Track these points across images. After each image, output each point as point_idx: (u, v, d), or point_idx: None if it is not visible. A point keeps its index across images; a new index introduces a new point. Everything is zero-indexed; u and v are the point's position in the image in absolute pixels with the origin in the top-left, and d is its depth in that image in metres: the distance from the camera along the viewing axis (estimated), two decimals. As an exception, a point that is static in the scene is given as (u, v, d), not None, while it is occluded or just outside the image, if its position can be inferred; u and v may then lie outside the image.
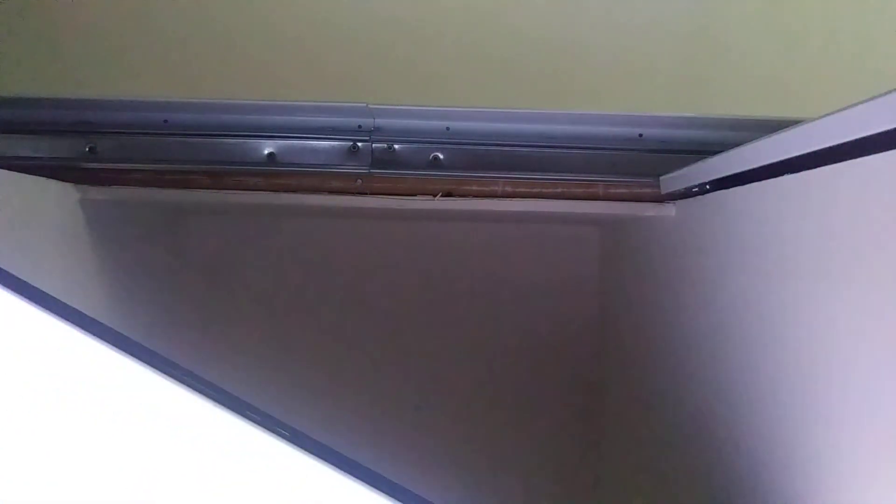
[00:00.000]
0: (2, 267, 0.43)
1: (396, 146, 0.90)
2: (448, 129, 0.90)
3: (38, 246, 0.81)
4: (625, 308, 1.21)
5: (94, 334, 0.41)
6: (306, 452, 0.41)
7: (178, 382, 0.41)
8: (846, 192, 0.52)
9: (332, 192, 0.92)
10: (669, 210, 0.92)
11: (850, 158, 0.51)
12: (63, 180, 0.88)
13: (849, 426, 0.51)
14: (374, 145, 0.90)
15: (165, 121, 0.89)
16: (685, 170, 0.83)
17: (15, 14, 1.29)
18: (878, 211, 0.48)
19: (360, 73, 1.33)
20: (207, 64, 1.33)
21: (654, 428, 1.00)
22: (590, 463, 1.35)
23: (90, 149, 0.88)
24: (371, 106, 0.89)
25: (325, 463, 0.41)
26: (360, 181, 0.91)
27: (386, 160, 0.90)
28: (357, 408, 1.30)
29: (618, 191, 0.92)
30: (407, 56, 1.33)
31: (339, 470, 0.41)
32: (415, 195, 0.92)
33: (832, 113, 0.52)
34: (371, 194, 0.92)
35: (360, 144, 0.90)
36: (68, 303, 0.43)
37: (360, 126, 0.90)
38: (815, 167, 0.56)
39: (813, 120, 0.55)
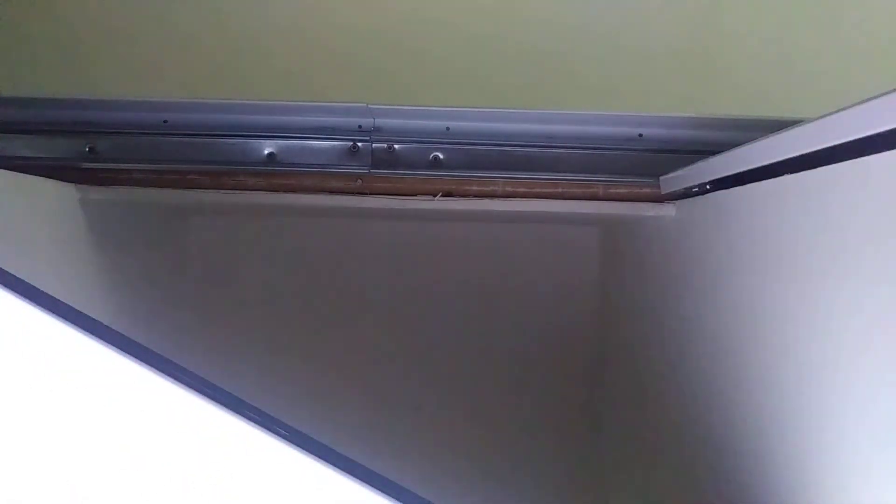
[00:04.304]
0: (2, 267, 0.43)
1: (396, 146, 0.90)
2: (448, 129, 0.90)
3: (38, 246, 0.81)
4: (625, 308, 1.21)
5: (94, 334, 0.41)
6: (306, 452, 0.41)
7: (178, 382, 0.41)
8: (846, 192, 0.52)
9: (332, 192, 0.92)
10: (669, 210, 0.91)
11: (850, 158, 0.51)
12: (63, 180, 0.88)
13: (848, 425, 0.51)
14: (374, 145, 0.90)
15: (165, 121, 0.89)
16: (685, 170, 0.83)
17: (15, 13, 1.29)
18: (878, 211, 0.48)
19: (360, 72, 1.33)
20: (207, 64, 1.33)
21: (654, 427, 1.00)
22: (590, 463, 1.35)
23: (90, 149, 0.88)
24: (371, 106, 0.89)
25: (325, 463, 0.41)
26: (360, 181, 0.91)
27: (386, 160, 0.90)
28: (357, 407, 1.30)
29: (618, 191, 0.92)
30: (407, 55, 1.33)
31: (338, 470, 0.41)
32: (415, 195, 0.92)
33: (832, 113, 0.52)
34: (371, 194, 0.92)
35: (360, 144, 0.90)
36: (68, 303, 0.42)
37: (360, 126, 0.90)
38: (815, 167, 0.56)
39: (813, 120, 0.55)
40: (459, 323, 1.38)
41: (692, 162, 0.81)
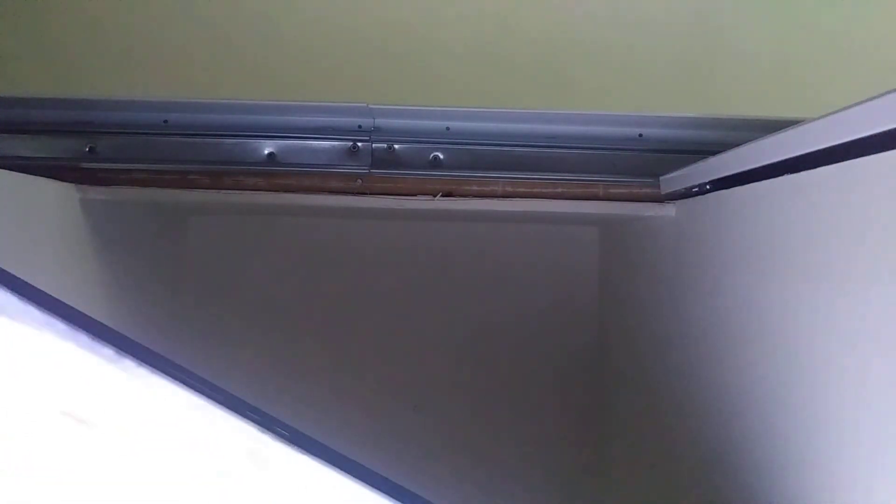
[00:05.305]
0: (2, 267, 0.43)
1: (396, 146, 0.90)
2: (448, 129, 0.90)
3: (38, 246, 0.81)
4: (625, 308, 1.21)
5: (94, 334, 0.41)
6: (305, 452, 0.41)
7: (178, 382, 0.41)
8: (846, 192, 0.52)
9: (332, 192, 0.92)
10: (669, 210, 0.91)
11: (850, 158, 0.51)
12: (63, 180, 0.88)
13: (848, 426, 0.51)
14: (374, 145, 0.90)
15: (165, 121, 0.89)
16: (685, 170, 0.83)
17: (15, 13, 1.29)
18: (878, 211, 0.48)
19: (360, 73, 1.33)
20: (208, 64, 1.33)
21: (653, 427, 1.00)
22: (589, 463, 1.35)
23: (90, 149, 0.88)
24: (371, 106, 0.89)
25: (324, 463, 0.41)
26: (360, 181, 0.91)
27: (386, 160, 0.90)
28: (356, 407, 1.30)
29: (618, 191, 0.92)
30: (407, 56, 1.33)
31: (338, 470, 0.41)
32: (415, 195, 0.92)
33: (832, 113, 0.52)
34: (371, 194, 0.92)
35: (360, 144, 0.90)
36: (68, 303, 0.42)
37: (360, 126, 0.90)
38: (815, 167, 0.56)
39: (813, 120, 0.55)
40: (459, 323, 1.38)
41: (692, 162, 0.81)
